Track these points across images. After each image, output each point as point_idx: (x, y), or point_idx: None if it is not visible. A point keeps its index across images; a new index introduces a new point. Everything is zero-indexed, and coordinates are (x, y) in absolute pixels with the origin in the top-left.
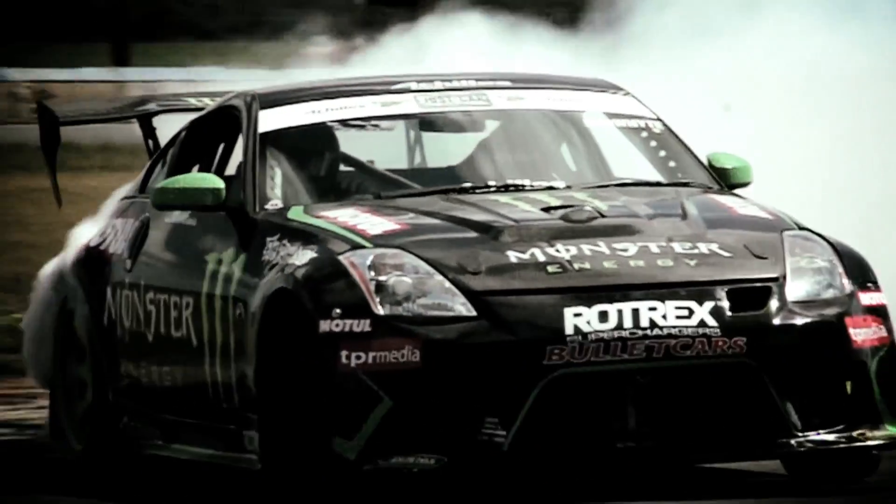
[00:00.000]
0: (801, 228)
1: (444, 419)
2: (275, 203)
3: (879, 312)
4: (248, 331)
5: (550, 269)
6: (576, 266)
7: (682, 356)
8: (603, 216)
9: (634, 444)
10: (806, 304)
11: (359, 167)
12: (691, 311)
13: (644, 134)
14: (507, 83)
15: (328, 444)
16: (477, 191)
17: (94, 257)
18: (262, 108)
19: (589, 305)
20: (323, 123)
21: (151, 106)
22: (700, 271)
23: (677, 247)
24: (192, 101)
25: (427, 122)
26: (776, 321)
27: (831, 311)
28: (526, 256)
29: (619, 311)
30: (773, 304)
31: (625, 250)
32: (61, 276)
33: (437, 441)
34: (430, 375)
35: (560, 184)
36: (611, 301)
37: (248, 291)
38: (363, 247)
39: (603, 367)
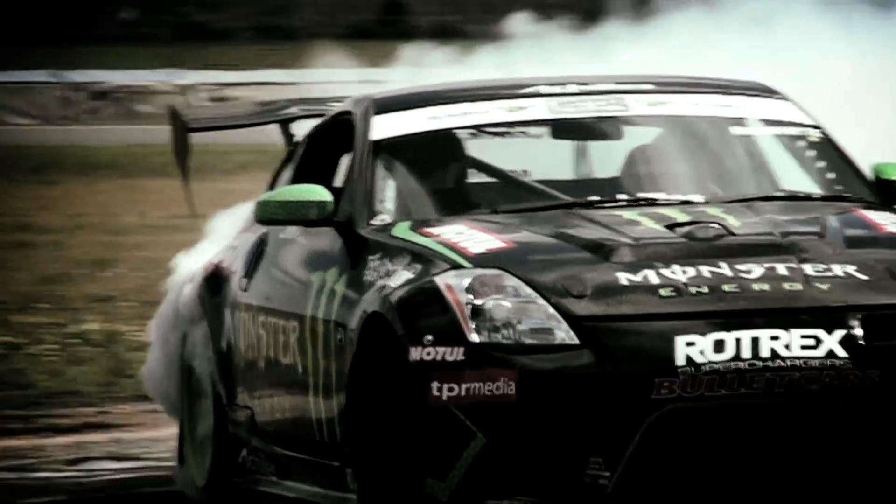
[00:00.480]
0: None
1: (543, 459)
2: (383, 218)
3: None
4: (346, 358)
5: (663, 292)
6: (692, 290)
7: (808, 390)
8: (732, 234)
9: (753, 486)
10: None
11: (501, 178)
12: (819, 341)
13: (802, 143)
14: (651, 86)
15: (421, 484)
16: (606, 205)
17: (216, 276)
18: (377, 113)
19: (703, 334)
20: (444, 130)
21: (293, 110)
22: (832, 296)
23: (808, 269)
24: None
25: (559, 129)
26: None
27: None
28: (637, 279)
29: (737, 340)
30: None
31: (748, 272)
32: (186, 296)
33: (534, 483)
34: (527, 410)
35: (698, 198)
36: (728, 329)
37: (348, 315)
38: (462, 267)
39: (717, 401)
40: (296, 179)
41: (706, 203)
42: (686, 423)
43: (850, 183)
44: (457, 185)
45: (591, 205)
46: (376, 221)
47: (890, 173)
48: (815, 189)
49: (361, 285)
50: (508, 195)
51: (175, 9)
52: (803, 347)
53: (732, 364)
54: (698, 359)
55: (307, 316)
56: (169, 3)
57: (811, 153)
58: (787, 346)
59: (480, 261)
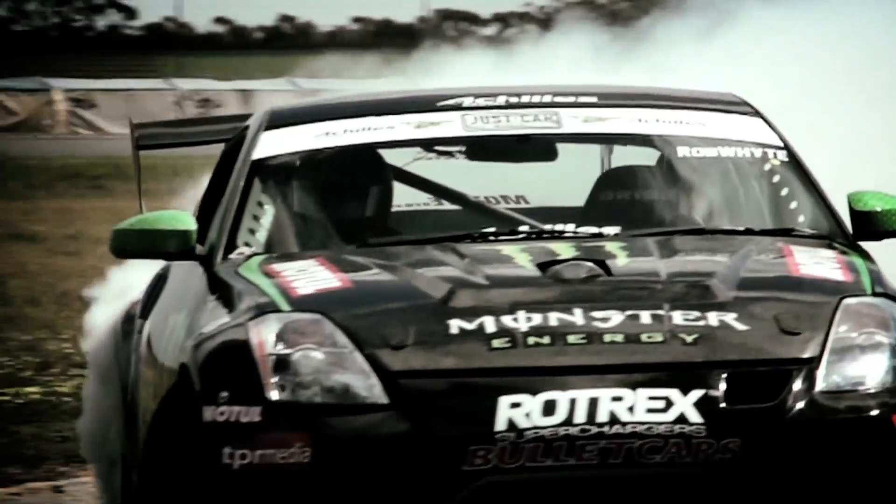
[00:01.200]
0: (887, 295)
1: None
2: (242, 251)
3: None
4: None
5: (496, 343)
6: (530, 341)
7: (649, 462)
8: (609, 275)
9: None
10: (842, 394)
11: (463, 204)
12: (669, 403)
13: (761, 166)
14: (594, 98)
15: None
16: (501, 237)
17: (129, 316)
18: (268, 128)
19: (533, 393)
20: (333, 149)
21: None
22: (696, 350)
23: (679, 317)
24: None
25: (476, 150)
26: (791, 416)
27: (875, 404)
28: (471, 327)
29: (572, 401)
30: (792, 393)
31: (605, 320)
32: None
33: None
34: (320, 481)
35: (611, 231)
36: (563, 388)
37: (176, 365)
38: (280, 311)
39: (541, 474)
40: (203, 204)
41: (615, 237)
42: (504, 499)
43: (811, 213)
44: (383, 211)
45: (484, 237)
46: (234, 255)
47: (869, 203)
48: (762, 219)
49: (193, 331)
50: (408, 225)
51: None
52: (650, 410)
53: (561, 430)
54: (522, 423)
55: (158, 364)
56: None
57: (771, 178)
58: (630, 409)
59: (302, 304)
